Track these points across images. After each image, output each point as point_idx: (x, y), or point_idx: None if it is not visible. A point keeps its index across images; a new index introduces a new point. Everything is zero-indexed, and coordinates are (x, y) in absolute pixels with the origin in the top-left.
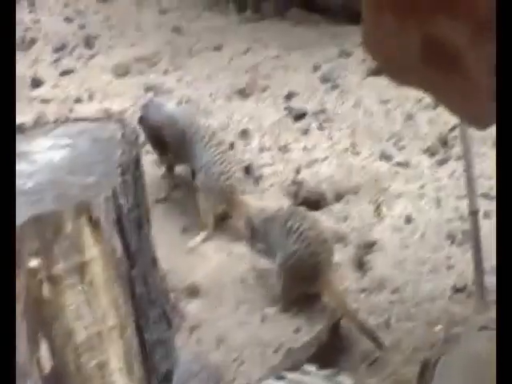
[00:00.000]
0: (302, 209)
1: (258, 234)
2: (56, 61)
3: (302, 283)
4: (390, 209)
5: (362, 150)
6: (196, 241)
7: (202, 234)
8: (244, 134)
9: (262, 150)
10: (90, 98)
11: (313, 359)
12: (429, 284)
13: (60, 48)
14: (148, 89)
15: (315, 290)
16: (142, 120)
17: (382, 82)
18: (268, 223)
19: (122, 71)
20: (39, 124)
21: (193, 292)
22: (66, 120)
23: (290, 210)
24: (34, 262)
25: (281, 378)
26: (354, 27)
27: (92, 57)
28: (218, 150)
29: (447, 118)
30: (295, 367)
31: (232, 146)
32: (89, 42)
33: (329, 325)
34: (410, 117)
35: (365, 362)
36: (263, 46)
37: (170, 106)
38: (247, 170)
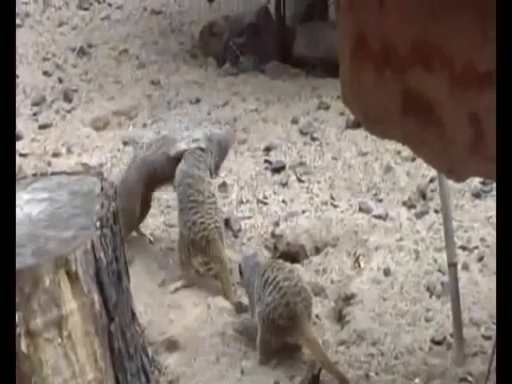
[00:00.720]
0: (280, 261)
1: (244, 281)
2: (35, 115)
3: (279, 334)
4: (369, 261)
5: (340, 203)
6: (176, 285)
7: (183, 281)
8: (223, 186)
9: (240, 202)
10: (69, 151)
11: None
12: (408, 336)
13: (39, 102)
14: (126, 142)
15: (293, 341)
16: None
17: (361, 134)
18: (252, 273)
19: (100, 125)
20: (17, 178)
21: (171, 345)
22: (45, 174)
23: (268, 261)
24: None
25: None
26: (332, 80)
27: (70, 110)
28: (194, 199)
29: (426, 171)
30: None
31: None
32: (67, 96)
33: (308, 377)
34: (388, 169)
35: None
36: (242, 99)
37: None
38: (226, 222)
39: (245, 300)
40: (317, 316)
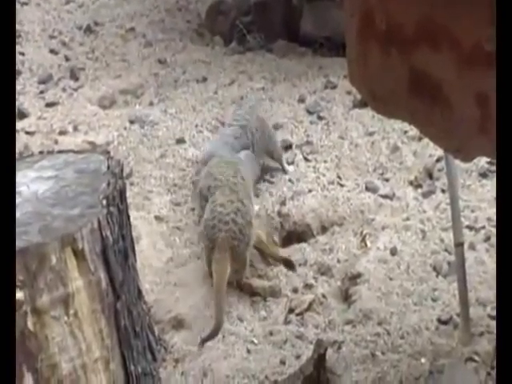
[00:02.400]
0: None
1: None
2: (41, 93)
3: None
4: (376, 241)
5: (347, 182)
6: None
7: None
8: None
9: None
10: (75, 129)
11: None
12: (414, 316)
13: (45, 80)
14: (133, 121)
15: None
16: None
17: (368, 113)
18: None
19: (107, 103)
20: (24, 156)
21: (178, 324)
22: (51, 152)
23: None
24: (18, 295)
25: None
26: (339, 59)
27: (77, 89)
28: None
29: (432, 150)
30: None
31: None
32: (74, 74)
33: (314, 357)
34: (395, 149)
35: None
36: (248, 78)
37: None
38: None
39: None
40: (323, 295)
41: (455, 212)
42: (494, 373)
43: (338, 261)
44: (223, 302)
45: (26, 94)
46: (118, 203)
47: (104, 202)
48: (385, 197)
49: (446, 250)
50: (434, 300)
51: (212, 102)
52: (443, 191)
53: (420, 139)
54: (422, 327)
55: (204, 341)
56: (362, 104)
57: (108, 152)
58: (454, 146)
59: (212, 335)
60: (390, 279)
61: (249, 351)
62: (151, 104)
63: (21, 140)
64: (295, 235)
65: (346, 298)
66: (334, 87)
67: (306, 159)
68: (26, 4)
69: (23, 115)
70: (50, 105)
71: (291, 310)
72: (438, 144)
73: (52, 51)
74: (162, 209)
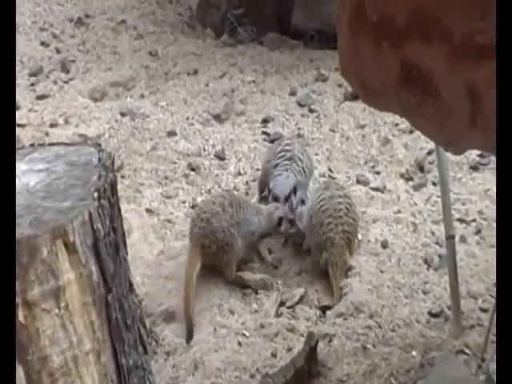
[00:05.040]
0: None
1: None
2: (32, 85)
3: None
4: (367, 233)
5: (338, 175)
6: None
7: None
8: (220, 158)
9: (238, 174)
10: (66, 122)
11: None
12: (405, 308)
13: (36, 72)
14: (124, 113)
15: None
16: None
17: (359, 106)
18: None
19: (98, 95)
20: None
21: (169, 317)
22: (42, 144)
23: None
24: None
25: None
26: (330, 52)
27: (68, 81)
28: None
29: (424, 143)
30: None
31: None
32: (65, 67)
33: (305, 350)
34: (386, 141)
35: None
36: (239, 71)
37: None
38: None
39: None
40: (316, 290)
41: (446, 205)
42: (484, 365)
43: None
44: (190, 296)
45: (18, 87)
46: (109, 196)
47: (95, 194)
48: (376, 189)
49: (437, 243)
50: (425, 293)
51: (203, 94)
52: (434, 184)
53: (411, 132)
54: (413, 320)
55: (188, 340)
56: (353, 97)
57: (99, 144)
58: (445, 139)
59: (189, 332)
60: (381, 272)
61: (240, 344)
62: (142, 96)
63: None
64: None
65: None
66: (325, 80)
67: None
68: None
69: None
70: (40, 97)
71: (282, 303)
72: (429, 137)
73: (43, 43)
74: (153, 201)
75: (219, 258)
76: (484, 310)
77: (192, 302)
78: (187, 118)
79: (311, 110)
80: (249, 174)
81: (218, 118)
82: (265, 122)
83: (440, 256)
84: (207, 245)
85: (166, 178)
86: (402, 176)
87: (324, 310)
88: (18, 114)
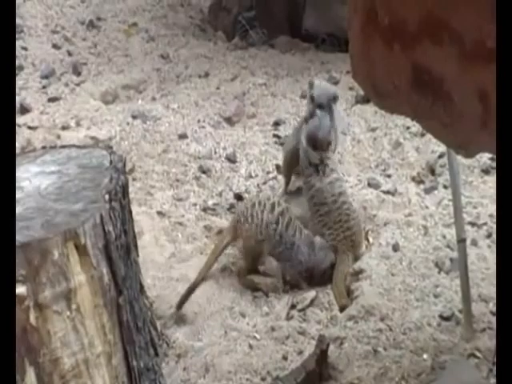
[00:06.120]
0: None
1: None
2: (44, 87)
3: None
4: (378, 237)
5: (349, 178)
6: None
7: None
8: (231, 161)
9: (249, 177)
10: (78, 124)
11: None
12: (416, 312)
13: (48, 75)
14: (135, 116)
15: None
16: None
17: (370, 109)
18: None
19: (109, 98)
20: (26, 151)
21: (180, 319)
22: (54, 147)
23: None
24: (21, 289)
25: None
26: (342, 55)
27: (80, 84)
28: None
29: (435, 146)
30: None
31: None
32: (76, 69)
33: (316, 353)
34: (397, 144)
35: None
36: (251, 74)
37: None
38: (239, 197)
39: None
40: (327, 293)
41: (457, 208)
42: (495, 369)
43: None
44: (210, 263)
45: (29, 89)
46: (120, 198)
47: (106, 197)
48: (387, 193)
49: (448, 247)
50: (436, 296)
51: (214, 97)
52: (445, 187)
53: (422, 135)
54: (424, 323)
55: (178, 306)
56: (364, 100)
57: (110, 147)
58: (457, 142)
59: (185, 297)
60: (392, 275)
61: (251, 347)
62: (153, 99)
63: (23, 135)
64: None
65: (349, 293)
66: (337, 83)
67: None
68: None
69: (26, 110)
70: (52, 100)
71: (293, 306)
72: (441, 140)
73: (55, 46)
74: (164, 204)
75: (247, 245)
76: (495, 314)
77: (207, 271)
78: (198, 121)
79: None
80: (260, 176)
81: (229, 120)
82: (276, 124)
83: (451, 259)
84: (246, 226)
85: (177, 180)
86: (413, 179)
87: (342, 309)
88: (29, 116)
